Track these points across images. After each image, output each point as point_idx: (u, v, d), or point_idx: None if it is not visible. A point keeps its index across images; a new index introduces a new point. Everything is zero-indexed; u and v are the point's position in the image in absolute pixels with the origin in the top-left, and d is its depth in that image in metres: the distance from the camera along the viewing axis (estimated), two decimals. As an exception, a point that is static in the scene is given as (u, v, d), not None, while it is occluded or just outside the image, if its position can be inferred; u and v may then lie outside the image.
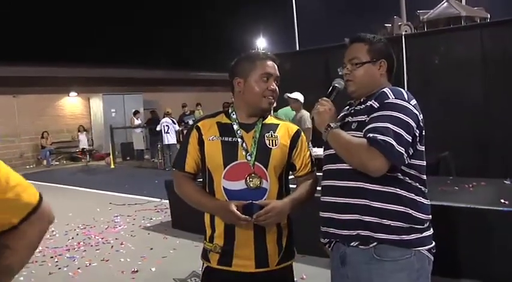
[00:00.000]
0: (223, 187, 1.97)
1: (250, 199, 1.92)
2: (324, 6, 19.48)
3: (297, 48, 11.61)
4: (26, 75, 15.47)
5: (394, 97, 1.84)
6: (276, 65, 2.05)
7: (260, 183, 1.95)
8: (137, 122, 15.51)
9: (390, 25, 8.87)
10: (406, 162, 1.80)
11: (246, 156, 1.97)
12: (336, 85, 2.04)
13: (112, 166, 14.16)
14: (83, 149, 15.86)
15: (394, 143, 1.73)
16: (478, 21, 7.71)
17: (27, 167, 15.58)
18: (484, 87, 6.24)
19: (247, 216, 1.87)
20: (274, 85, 2.02)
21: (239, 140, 2.00)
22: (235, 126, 2.03)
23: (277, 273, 2.01)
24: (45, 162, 15.58)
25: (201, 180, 2.11)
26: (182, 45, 24.97)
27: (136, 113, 15.82)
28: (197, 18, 25.28)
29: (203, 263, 2.09)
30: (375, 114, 1.82)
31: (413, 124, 1.80)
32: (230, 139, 2.00)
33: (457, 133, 6.22)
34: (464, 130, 6.23)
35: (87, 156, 15.63)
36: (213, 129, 2.04)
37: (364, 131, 1.81)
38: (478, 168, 5.76)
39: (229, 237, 1.97)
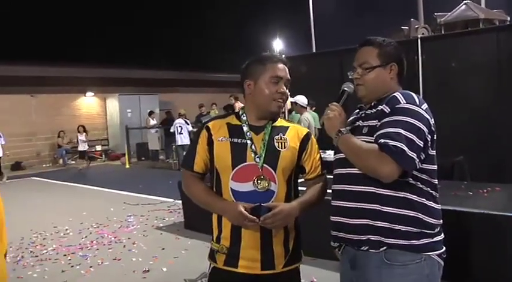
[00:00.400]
0: (231, 188, 1.97)
1: (258, 201, 1.92)
2: (341, 8, 19.41)
3: (314, 51, 11.60)
4: (44, 75, 15.71)
5: (405, 102, 1.82)
6: (287, 68, 2.04)
7: (268, 185, 1.94)
8: (152, 122, 15.61)
9: (407, 28, 8.81)
10: (418, 167, 1.79)
11: (254, 158, 1.96)
12: (346, 89, 2.02)
13: (127, 166, 14.28)
14: (83, 151, 14.78)
15: (405, 148, 1.71)
16: (497, 23, 7.61)
17: (44, 165, 15.79)
18: (501, 91, 6.14)
19: (254, 217, 1.87)
20: (284, 88, 2.01)
21: (248, 141, 1.99)
22: (245, 128, 2.03)
23: (283, 276, 2.00)
24: (61, 161, 15.76)
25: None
26: (198, 46, 25.07)
27: (151, 113, 15.92)
28: (214, 19, 25.35)
29: (210, 264, 2.09)
30: (386, 119, 1.81)
31: (424, 129, 1.79)
32: (239, 140, 2.00)
33: (472, 137, 6.14)
34: (480, 134, 6.14)
35: (86, 158, 15.02)
36: (223, 130, 2.04)
37: (375, 136, 1.80)
38: (493, 173, 5.68)
39: (236, 239, 1.97)
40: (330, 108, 1.95)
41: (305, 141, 2.07)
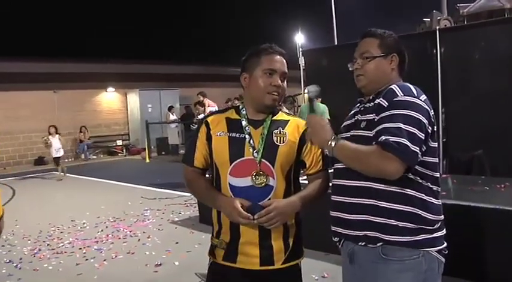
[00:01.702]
0: (229, 183, 1.94)
1: (256, 196, 1.88)
2: (363, 2, 19.15)
3: (335, 43, 11.46)
4: (66, 71, 15.92)
5: (403, 94, 1.77)
6: (284, 60, 1.98)
7: (266, 180, 1.90)
8: (172, 117, 15.68)
9: (429, 20, 8.61)
10: (419, 160, 1.73)
11: (252, 153, 1.93)
12: (311, 96, 1.94)
13: (147, 160, 14.38)
14: (57, 158, 11.53)
15: (408, 143, 1.66)
16: (525, 13, 7.37)
17: (66, 160, 15.98)
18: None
19: (248, 214, 1.82)
20: (279, 81, 1.95)
21: (247, 136, 1.96)
22: (244, 123, 1.99)
23: (283, 273, 1.96)
24: (83, 156, 15.97)
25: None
26: (219, 41, 25.08)
27: (171, 108, 15.99)
28: (235, 13, 25.32)
29: (210, 258, 2.07)
30: (385, 114, 1.75)
31: (425, 121, 1.73)
32: (238, 135, 1.97)
33: (492, 131, 5.95)
34: (501, 128, 5.94)
35: (60, 166, 12.33)
36: (221, 125, 2.01)
37: (375, 131, 1.75)
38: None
39: (235, 234, 1.94)
40: (310, 123, 1.85)
41: (305, 135, 2.01)
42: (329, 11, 13.48)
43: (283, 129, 1.99)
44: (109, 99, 17.92)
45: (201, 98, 9.64)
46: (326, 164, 2.05)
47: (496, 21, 6.77)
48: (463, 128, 5.76)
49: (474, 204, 3.30)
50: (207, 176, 2.10)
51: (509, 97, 5.94)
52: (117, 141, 17.46)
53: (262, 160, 1.92)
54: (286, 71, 1.98)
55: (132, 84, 17.64)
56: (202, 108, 8.31)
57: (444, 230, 1.83)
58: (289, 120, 2.04)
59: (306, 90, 1.97)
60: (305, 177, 2.09)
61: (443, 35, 6.55)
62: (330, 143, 1.78)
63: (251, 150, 1.93)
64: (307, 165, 2.04)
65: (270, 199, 1.89)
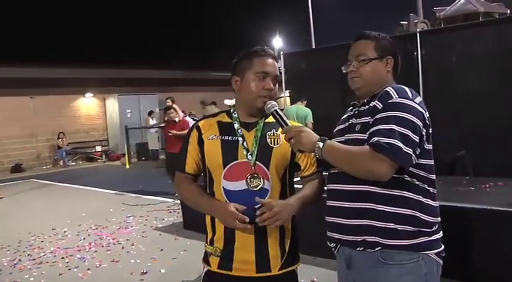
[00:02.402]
0: (223, 188, 1.89)
1: (251, 200, 1.84)
2: (340, 4, 19.34)
3: (313, 47, 11.53)
4: (42, 77, 15.65)
5: (397, 96, 1.76)
6: (275, 63, 1.96)
7: (261, 183, 1.87)
8: (152, 122, 15.55)
9: (406, 23, 8.74)
10: (414, 162, 1.72)
11: (246, 156, 1.89)
12: (273, 110, 1.87)
13: (127, 166, 14.20)
14: None
15: (401, 145, 1.65)
16: (497, 16, 7.53)
17: (44, 167, 15.75)
18: (502, 84, 6.05)
19: (245, 217, 1.79)
20: (271, 84, 1.92)
21: (240, 139, 1.92)
22: (236, 125, 1.95)
23: (280, 279, 1.93)
24: (61, 162, 15.73)
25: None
26: (197, 45, 24.99)
27: (151, 113, 15.86)
28: (212, 18, 25.28)
29: (204, 267, 2.02)
30: (379, 116, 1.74)
31: (419, 123, 1.72)
32: (230, 138, 1.93)
33: (473, 132, 6.05)
34: (482, 128, 6.05)
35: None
36: (213, 129, 1.97)
37: (368, 133, 1.73)
38: (496, 168, 5.59)
39: (229, 240, 1.90)
40: (290, 134, 1.77)
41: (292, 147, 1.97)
42: (307, 15, 13.60)
43: (276, 131, 1.96)
44: (87, 104, 17.69)
45: (170, 103, 9.60)
46: (320, 165, 2.02)
47: (471, 24, 6.89)
48: (445, 129, 5.81)
49: (461, 205, 3.33)
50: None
51: (489, 98, 6.05)
52: (96, 147, 17.25)
53: (257, 162, 1.88)
54: (278, 74, 1.96)
55: (111, 89, 17.46)
56: (175, 113, 8.31)
57: (441, 232, 1.82)
58: None
59: (268, 109, 1.91)
60: (298, 179, 2.06)
61: (423, 37, 6.65)
62: (317, 145, 1.74)
63: (245, 152, 1.89)
64: (302, 167, 2.01)
65: None
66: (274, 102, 1.91)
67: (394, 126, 1.67)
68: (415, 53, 6.49)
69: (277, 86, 1.97)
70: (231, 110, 2.02)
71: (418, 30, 7.10)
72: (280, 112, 1.87)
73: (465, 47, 6.43)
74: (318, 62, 7.91)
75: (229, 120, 1.99)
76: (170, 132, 8.07)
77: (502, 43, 6.08)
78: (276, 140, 1.94)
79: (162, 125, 9.43)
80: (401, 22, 8.93)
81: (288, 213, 1.85)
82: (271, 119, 1.99)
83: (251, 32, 23.43)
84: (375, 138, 1.67)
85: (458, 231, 3.18)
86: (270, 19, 23.35)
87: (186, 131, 7.99)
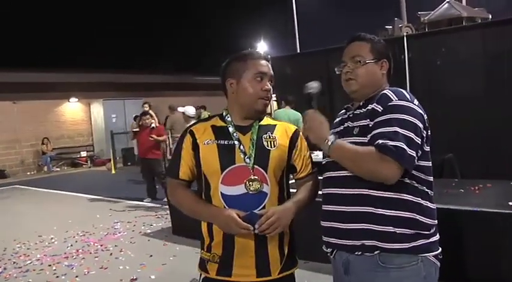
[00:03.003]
0: (221, 193, 1.87)
1: (250, 204, 1.82)
2: (324, 8, 19.45)
3: (298, 51, 11.55)
4: (26, 81, 15.45)
5: (397, 99, 1.76)
6: (269, 64, 1.96)
7: (260, 187, 1.85)
8: (139, 127, 15.41)
9: (391, 27, 8.80)
10: (415, 164, 1.72)
11: (244, 159, 1.87)
12: (310, 91, 1.92)
13: (113, 172, 14.07)
14: None
15: (405, 147, 1.65)
16: (480, 21, 7.63)
17: (28, 173, 15.53)
18: (487, 86, 6.14)
19: (248, 225, 1.77)
20: (269, 85, 1.92)
21: (236, 142, 1.90)
22: (231, 129, 1.93)
23: None
24: (46, 168, 15.53)
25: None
26: (183, 50, 24.90)
27: (136, 118, 15.72)
28: (197, 23, 25.23)
29: (200, 274, 1.98)
30: (380, 119, 1.73)
31: (420, 125, 1.73)
32: (226, 142, 1.90)
33: (460, 134, 6.12)
34: (468, 131, 6.12)
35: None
36: (208, 133, 1.94)
37: (370, 136, 1.73)
38: (483, 170, 5.65)
39: (229, 246, 1.87)
40: (309, 118, 1.83)
41: (294, 138, 1.98)
42: (291, 19, 13.62)
43: (272, 133, 1.95)
44: (72, 109, 17.51)
45: (147, 108, 9.54)
46: (314, 166, 2.03)
47: (457, 28, 6.99)
48: (432, 132, 5.87)
49: (453, 207, 3.35)
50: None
51: (476, 100, 6.13)
52: (81, 153, 17.06)
53: (255, 166, 1.86)
54: (273, 74, 1.96)
55: (96, 94, 17.31)
56: (151, 119, 8.31)
57: (438, 234, 1.82)
58: (276, 125, 2.00)
59: (306, 87, 1.93)
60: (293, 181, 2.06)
61: (410, 41, 6.72)
62: (327, 141, 1.76)
63: (242, 156, 1.87)
64: (298, 169, 2.00)
65: (264, 206, 1.84)
66: (316, 84, 1.91)
67: (397, 129, 1.67)
68: (402, 57, 6.55)
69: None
70: (224, 113, 2.00)
71: (404, 33, 7.16)
72: (314, 98, 1.89)
73: (451, 50, 6.51)
74: (303, 66, 7.95)
75: (223, 124, 1.96)
76: (152, 138, 8.03)
77: (485, 47, 6.18)
78: (272, 142, 1.93)
79: (136, 129, 9.15)
80: (386, 26, 9.00)
81: (287, 219, 1.85)
82: (264, 121, 1.99)
83: (236, 36, 23.43)
84: (380, 141, 1.67)
85: (451, 233, 3.20)
86: (254, 23, 23.39)
87: (163, 137, 7.83)
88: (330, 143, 1.76)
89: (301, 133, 2.01)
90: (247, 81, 1.90)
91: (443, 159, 5.49)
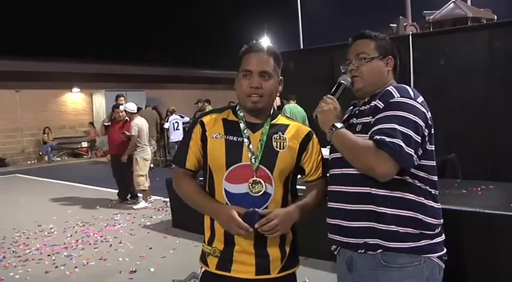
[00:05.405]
0: (225, 189, 1.85)
1: (253, 203, 1.80)
2: (328, 5, 19.38)
3: (301, 47, 11.51)
4: (29, 70, 15.40)
5: (399, 95, 1.74)
6: (264, 58, 1.86)
7: (264, 188, 1.82)
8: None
9: (395, 25, 8.77)
10: (416, 163, 1.71)
11: (250, 159, 1.84)
12: (342, 81, 1.91)
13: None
14: None
15: (403, 144, 1.63)
16: (485, 22, 7.60)
17: (29, 162, 15.54)
18: (491, 88, 6.11)
19: (247, 225, 1.75)
20: (256, 82, 1.84)
21: (245, 140, 1.87)
22: (242, 125, 1.90)
23: (279, 281, 1.90)
24: (46, 157, 15.53)
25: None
26: (185, 42, 24.87)
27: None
28: (200, 15, 25.17)
29: (201, 267, 1.98)
30: (380, 115, 1.73)
31: (421, 123, 1.71)
32: (235, 138, 1.87)
33: (463, 135, 6.09)
34: (471, 132, 6.10)
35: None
36: (218, 126, 1.91)
37: (370, 133, 1.72)
38: (485, 171, 5.63)
39: (229, 241, 1.86)
40: (325, 101, 1.85)
41: (306, 141, 1.93)
42: (295, 14, 13.58)
43: (283, 134, 1.91)
44: (74, 99, 17.50)
45: (123, 101, 8.86)
46: (325, 171, 1.99)
47: (461, 28, 6.95)
48: (436, 131, 5.86)
49: (455, 208, 3.33)
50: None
51: (479, 101, 6.10)
52: (82, 143, 17.05)
53: (261, 166, 1.84)
54: (267, 69, 1.86)
55: (98, 84, 17.27)
56: (125, 113, 7.75)
57: (443, 235, 1.82)
58: (289, 125, 1.95)
59: (341, 77, 1.92)
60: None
61: (415, 39, 6.69)
62: (332, 126, 1.77)
63: (249, 155, 1.84)
64: (307, 172, 1.97)
65: (267, 206, 1.82)
66: (349, 79, 1.90)
67: (396, 126, 1.66)
68: (407, 55, 6.52)
69: (271, 80, 1.87)
70: (237, 107, 1.96)
71: (410, 32, 7.13)
72: (341, 88, 1.90)
73: (454, 51, 6.48)
74: (305, 63, 7.94)
75: (235, 118, 1.93)
76: (125, 133, 7.47)
77: (490, 48, 6.15)
78: (282, 143, 1.89)
79: (107, 123, 8.12)
80: (391, 25, 8.97)
81: (288, 223, 1.84)
82: (277, 120, 1.95)
83: (238, 30, 23.37)
84: (378, 137, 1.66)
85: (452, 234, 3.19)
86: (257, 17, 23.31)
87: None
88: (333, 129, 1.76)
89: (314, 136, 1.97)
90: (239, 78, 1.89)
91: (446, 159, 5.46)
